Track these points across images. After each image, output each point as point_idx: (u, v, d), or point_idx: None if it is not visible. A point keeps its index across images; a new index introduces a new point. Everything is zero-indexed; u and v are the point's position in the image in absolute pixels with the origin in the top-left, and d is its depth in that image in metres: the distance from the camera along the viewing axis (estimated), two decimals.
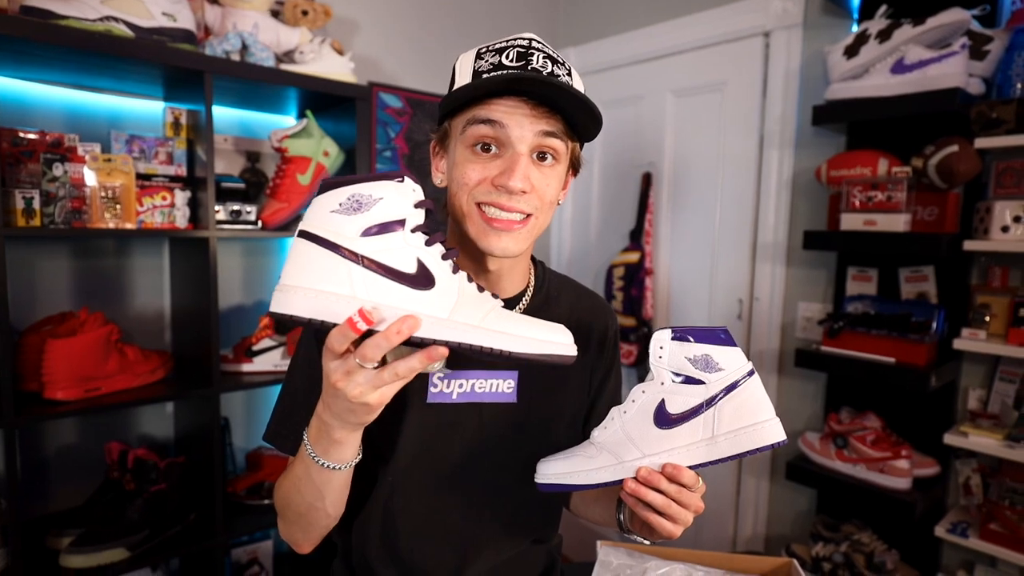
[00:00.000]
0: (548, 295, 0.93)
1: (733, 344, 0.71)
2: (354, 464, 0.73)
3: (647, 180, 2.33)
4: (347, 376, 0.61)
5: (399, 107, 2.16)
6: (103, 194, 1.39)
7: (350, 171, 1.76)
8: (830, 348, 1.73)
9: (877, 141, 1.72)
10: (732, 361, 0.70)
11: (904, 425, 1.74)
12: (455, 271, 0.65)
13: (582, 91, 0.78)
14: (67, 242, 1.58)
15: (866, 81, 1.61)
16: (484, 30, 2.40)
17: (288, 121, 1.91)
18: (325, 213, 0.62)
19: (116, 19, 1.33)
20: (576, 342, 0.92)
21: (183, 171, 1.55)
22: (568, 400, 0.91)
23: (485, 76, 0.74)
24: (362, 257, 0.61)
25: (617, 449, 0.73)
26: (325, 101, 1.74)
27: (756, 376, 0.72)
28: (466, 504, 0.87)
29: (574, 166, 0.85)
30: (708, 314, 2.21)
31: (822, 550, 1.75)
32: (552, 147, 0.76)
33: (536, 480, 0.75)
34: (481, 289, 0.66)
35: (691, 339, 0.70)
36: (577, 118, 0.77)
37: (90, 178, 1.38)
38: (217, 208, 1.54)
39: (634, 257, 2.30)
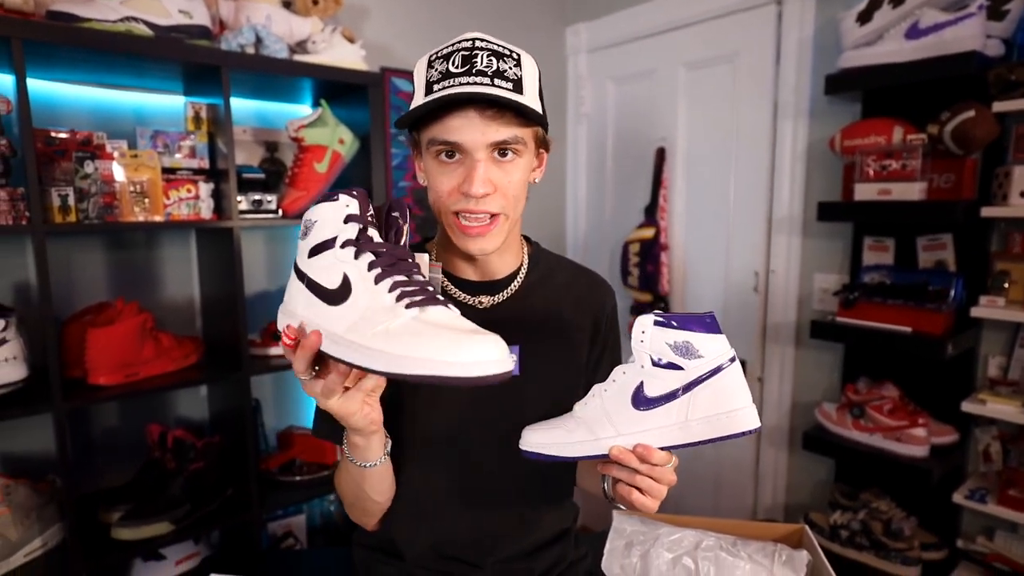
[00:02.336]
0: (541, 275, 0.97)
1: (717, 331, 0.72)
2: (382, 461, 0.81)
3: (661, 155, 2.33)
4: (306, 387, 0.69)
5: (411, 91, 2.19)
6: (132, 189, 1.45)
7: (366, 157, 1.80)
8: (845, 319, 1.74)
9: (893, 108, 1.70)
10: (713, 348, 0.72)
11: (923, 394, 1.74)
12: (379, 280, 0.65)
13: (535, 76, 0.82)
14: (101, 236, 1.65)
15: (880, 48, 1.59)
16: (491, 9, 2.40)
17: (304, 110, 1.96)
18: (298, 239, 0.71)
19: (136, 19, 1.38)
20: (574, 319, 0.96)
21: (206, 164, 1.61)
22: (566, 374, 0.95)
23: (436, 87, 0.77)
24: (306, 276, 0.68)
25: (594, 426, 0.76)
26: (338, 89, 1.78)
27: (736, 364, 0.73)
28: (482, 474, 0.92)
29: (543, 146, 0.88)
30: (724, 287, 2.22)
31: (840, 518, 1.78)
32: (507, 143, 0.79)
33: (520, 445, 0.79)
34: (404, 296, 0.64)
35: (673, 325, 0.72)
36: (522, 112, 0.78)
37: (119, 174, 1.44)
38: (239, 198, 1.60)
39: (649, 233, 2.31)
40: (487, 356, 0.59)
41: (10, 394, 1.34)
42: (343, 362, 0.64)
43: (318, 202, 0.69)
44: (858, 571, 1.70)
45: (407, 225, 0.71)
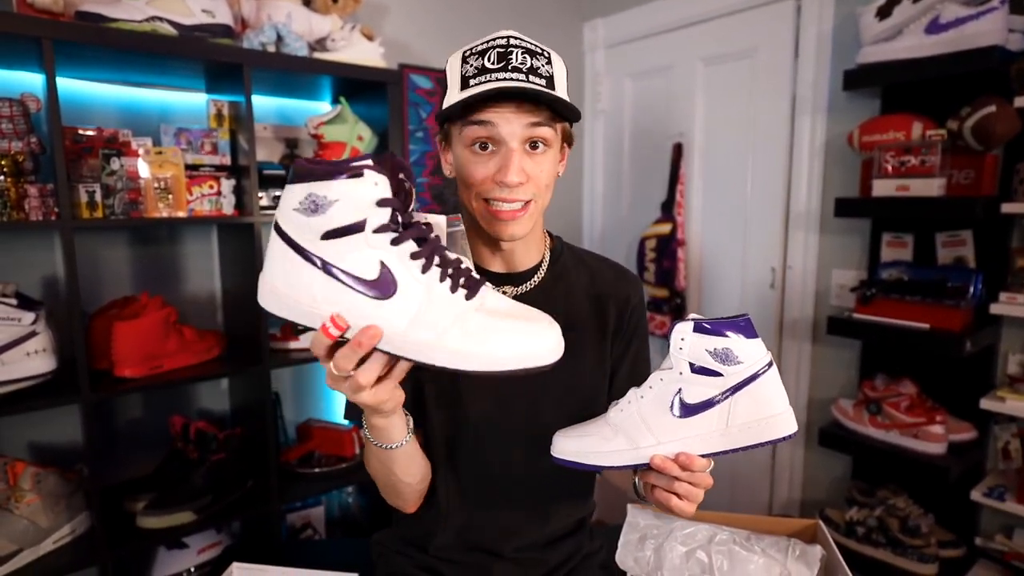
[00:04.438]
0: (564, 267, 0.99)
1: (754, 335, 0.72)
2: (407, 440, 0.80)
3: (678, 151, 2.32)
4: (334, 381, 0.63)
5: (430, 88, 2.20)
6: (156, 185, 1.48)
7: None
8: (863, 315, 1.73)
9: (912, 104, 1.69)
10: (752, 354, 0.72)
11: (941, 391, 1.73)
12: (426, 269, 0.61)
13: (564, 75, 0.85)
14: (126, 231, 1.69)
15: (899, 43, 1.57)
16: (508, 6, 2.40)
17: (323, 107, 1.98)
18: (289, 209, 0.59)
19: (160, 19, 1.41)
20: (596, 313, 0.97)
21: (227, 160, 1.64)
22: (584, 367, 0.96)
23: (472, 81, 0.80)
24: (322, 261, 0.59)
25: (632, 433, 0.75)
26: (357, 86, 1.80)
27: (774, 368, 0.73)
28: (502, 468, 0.94)
29: (567, 141, 0.91)
30: (741, 283, 2.22)
31: (856, 514, 1.77)
32: (541, 136, 0.82)
33: (552, 453, 0.78)
34: (456, 286, 0.62)
35: (712, 331, 0.71)
36: (557, 107, 0.81)
37: (144, 170, 1.47)
38: (260, 195, 1.62)
39: (666, 228, 2.31)
40: (555, 341, 0.63)
41: (40, 385, 1.38)
42: (418, 362, 0.60)
43: (331, 173, 0.58)
44: (875, 568, 1.70)
45: (413, 187, 0.66)
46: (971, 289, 1.59)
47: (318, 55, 1.69)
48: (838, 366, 2.00)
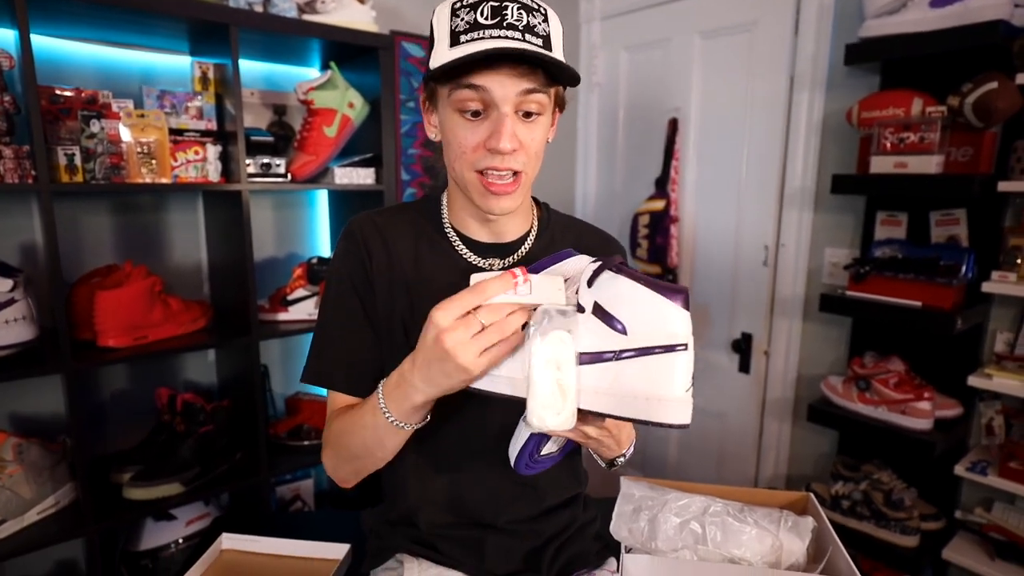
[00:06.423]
0: (552, 237, 0.97)
1: (686, 307, 0.63)
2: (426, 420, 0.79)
3: (673, 126, 2.29)
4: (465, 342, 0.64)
5: (422, 57, 2.15)
6: (139, 149, 1.43)
7: (375, 123, 1.77)
8: (855, 293, 1.73)
9: (913, 80, 1.67)
10: (672, 325, 0.63)
11: (930, 368, 1.75)
12: None
13: (560, 33, 0.80)
14: (108, 197, 1.64)
15: (903, 16, 1.55)
16: None
17: (312, 73, 1.92)
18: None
19: None
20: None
21: (213, 125, 1.59)
22: None
23: (463, 38, 0.74)
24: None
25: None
26: (348, 52, 1.74)
27: (689, 352, 0.63)
28: (490, 438, 0.92)
29: (560, 105, 0.86)
30: (733, 261, 2.21)
31: (841, 488, 1.80)
32: (535, 102, 0.78)
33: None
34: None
35: (643, 280, 0.64)
36: (555, 71, 0.77)
37: (125, 134, 1.42)
38: (247, 162, 1.57)
39: (660, 205, 2.29)
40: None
41: (20, 354, 1.34)
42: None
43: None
44: (859, 540, 1.73)
45: None
46: (963, 268, 1.59)
47: (307, 17, 1.63)
48: (828, 343, 2.02)
